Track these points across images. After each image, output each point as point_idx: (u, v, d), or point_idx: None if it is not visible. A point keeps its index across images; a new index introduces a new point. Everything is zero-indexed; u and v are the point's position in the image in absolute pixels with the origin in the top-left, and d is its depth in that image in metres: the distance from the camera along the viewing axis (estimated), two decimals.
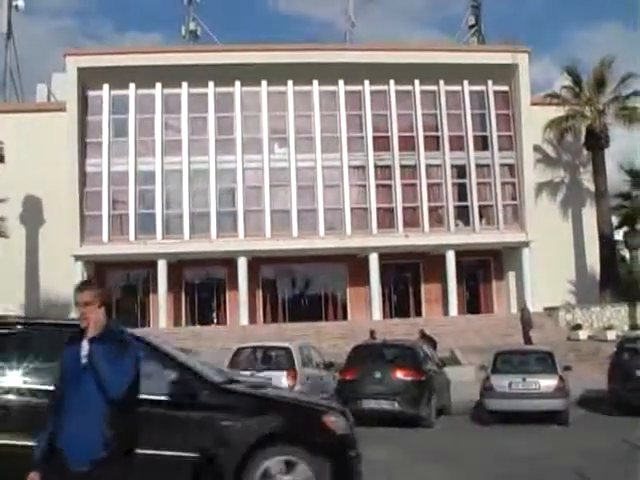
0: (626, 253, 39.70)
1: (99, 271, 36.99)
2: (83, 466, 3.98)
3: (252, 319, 35.88)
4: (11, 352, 6.60)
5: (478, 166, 37.41)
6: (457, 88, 37.60)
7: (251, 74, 35.59)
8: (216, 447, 6.29)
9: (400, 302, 38.29)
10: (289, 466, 6.47)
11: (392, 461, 10.50)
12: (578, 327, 32.59)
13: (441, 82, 37.28)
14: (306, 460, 6.45)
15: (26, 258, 35.96)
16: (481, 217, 37.42)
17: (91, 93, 36.52)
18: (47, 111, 37.04)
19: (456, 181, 37.47)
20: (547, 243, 35.14)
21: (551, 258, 35.26)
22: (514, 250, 37.14)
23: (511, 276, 38.11)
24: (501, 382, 15.30)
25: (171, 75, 35.52)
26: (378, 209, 36.63)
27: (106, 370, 4.02)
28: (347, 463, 6.74)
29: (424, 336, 24.01)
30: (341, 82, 36.87)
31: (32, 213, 36.18)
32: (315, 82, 36.78)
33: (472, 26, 44.98)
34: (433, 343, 23.06)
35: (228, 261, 36.04)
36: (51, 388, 4.80)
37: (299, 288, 39.18)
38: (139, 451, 4.34)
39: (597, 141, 36.54)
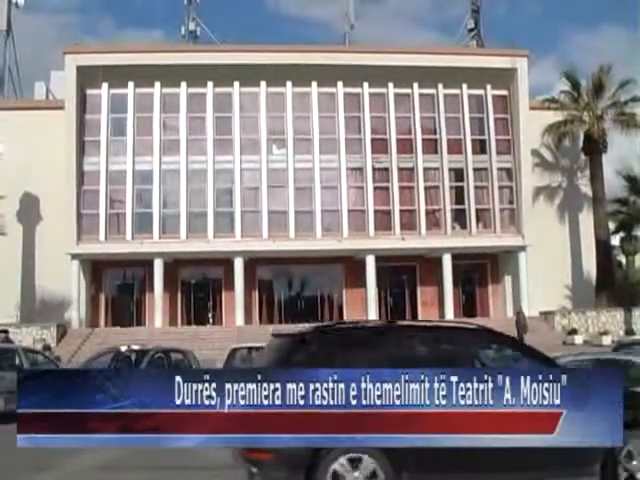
0: (622, 258, 39.79)
1: (95, 270, 37.01)
2: None
3: (248, 320, 35.87)
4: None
5: (476, 170, 37.46)
6: (456, 92, 37.65)
7: (250, 75, 35.60)
8: None
9: (396, 304, 38.32)
10: None
11: None
12: (574, 332, 32.69)
13: (440, 85, 37.32)
14: None
15: (22, 256, 35.90)
16: (478, 221, 37.44)
17: (90, 91, 36.49)
18: (45, 109, 37.00)
19: (453, 184, 37.51)
20: (544, 247, 35.20)
21: (547, 262, 35.34)
22: (511, 254, 37.20)
23: (507, 280, 38.18)
24: None
25: (170, 75, 35.51)
26: (375, 211, 36.64)
27: None
28: None
29: None
30: (340, 84, 36.90)
31: (29, 211, 36.13)
32: (314, 84, 36.80)
33: (471, 30, 45.11)
34: None
35: (225, 261, 36.04)
36: None
37: (295, 289, 39.18)
38: None
39: (595, 146, 36.66)
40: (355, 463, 6.67)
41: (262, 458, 6.66)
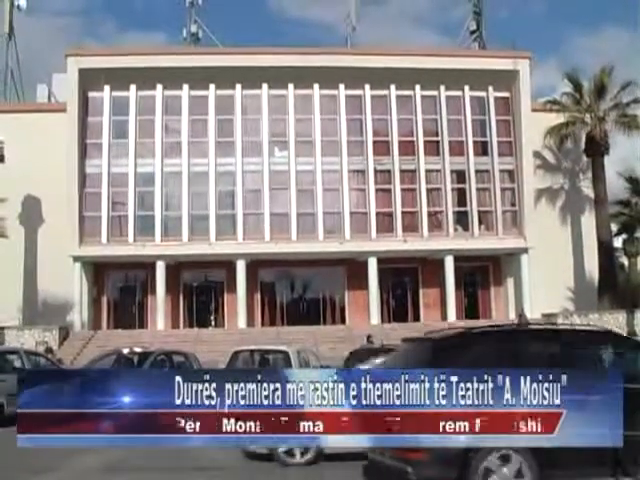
0: (625, 260, 39.69)
1: (97, 272, 37.02)
2: None
3: (250, 322, 35.86)
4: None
5: (478, 172, 37.40)
6: (458, 93, 37.61)
7: (252, 77, 35.62)
8: None
9: (398, 307, 38.25)
10: None
11: None
12: None
13: (442, 87, 37.27)
14: None
15: (25, 258, 35.88)
16: (480, 223, 37.39)
17: (92, 94, 36.50)
18: (47, 111, 37.06)
19: (455, 186, 37.46)
20: (546, 249, 35.14)
21: (550, 264, 35.28)
22: (513, 256, 37.15)
23: (510, 282, 38.11)
24: None
25: (172, 77, 35.55)
26: (377, 213, 36.61)
27: None
28: None
29: None
30: (342, 86, 36.87)
31: (31, 213, 36.15)
32: (316, 86, 36.80)
33: (473, 31, 44.98)
34: None
35: (227, 264, 36.03)
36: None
37: (298, 291, 39.14)
38: None
39: (597, 148, 36.59)
40: (504, 460, 7.02)
41: (417, 457, 7.00)
